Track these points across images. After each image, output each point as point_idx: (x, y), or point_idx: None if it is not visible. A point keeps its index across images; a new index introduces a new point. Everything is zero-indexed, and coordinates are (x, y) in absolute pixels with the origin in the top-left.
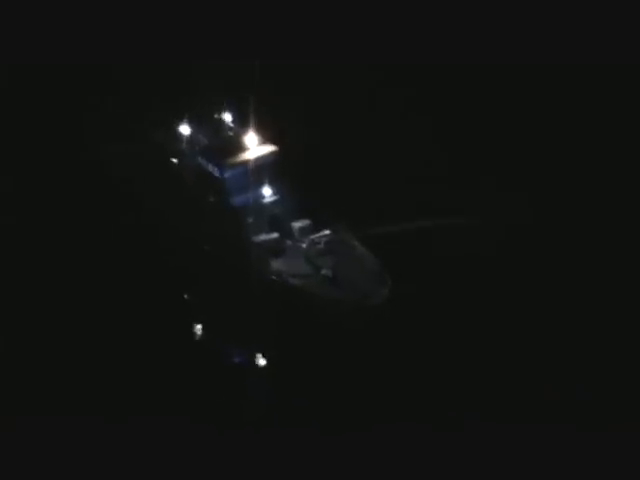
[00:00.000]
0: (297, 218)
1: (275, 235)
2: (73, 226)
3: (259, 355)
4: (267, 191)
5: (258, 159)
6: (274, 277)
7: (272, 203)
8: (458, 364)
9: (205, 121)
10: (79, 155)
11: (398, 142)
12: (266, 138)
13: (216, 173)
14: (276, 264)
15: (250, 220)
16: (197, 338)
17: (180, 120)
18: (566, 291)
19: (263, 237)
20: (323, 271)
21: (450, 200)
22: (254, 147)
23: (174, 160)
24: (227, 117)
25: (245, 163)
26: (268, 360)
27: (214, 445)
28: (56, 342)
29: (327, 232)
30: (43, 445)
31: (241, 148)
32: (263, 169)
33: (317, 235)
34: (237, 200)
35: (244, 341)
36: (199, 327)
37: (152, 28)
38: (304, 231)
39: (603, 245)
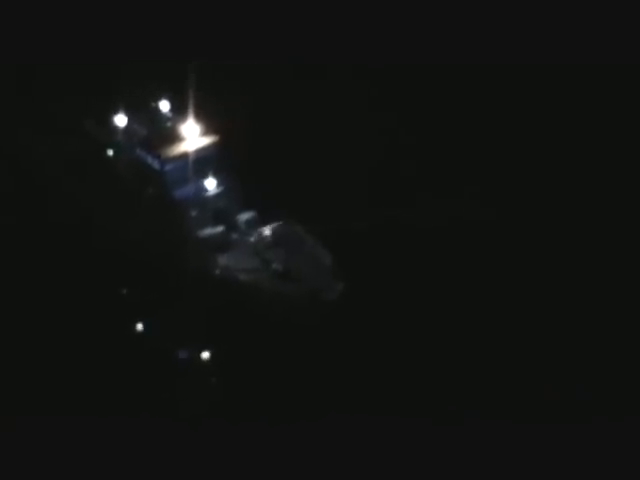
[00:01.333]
0: (242, 210)
1: (220, 229)
2: None
3: (204, 353)
4: (210, 183)
5: (199, 150)
6: (220, 273)
7: (215, 195)
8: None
9: (141, 110)
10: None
11: (347, 128)
12: (207, 127)
13: (155, 165)
14: (222, 259)
15: (193, 214)
16: (138, 335)
17: (114, 109)
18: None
19: (207, 231)
20: (273, 265)
21: (401, 191)
22: (195, 137)
23: (109, 152)
24: (164, 106)
25: (186, 154)
26: (214, 358)
27: (160, 441)
28: None
29: (275, 224)
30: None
31: (181, 139)
32: (205, 160)
33: (264, 227)
34: (178, 193)
35: (189, 339)
36: (139, 325)
37: (82, 17)
38: (250, 223)
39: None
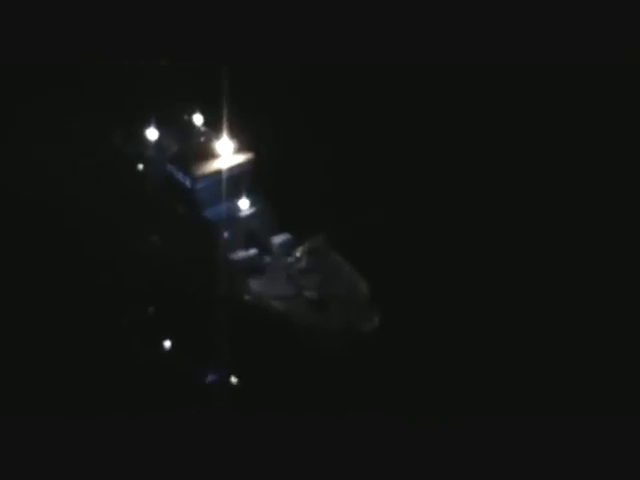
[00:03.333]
0: (277, 233)
1: (253, 252)
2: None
3: (228, 378)
4: (243, 203)
5: (233, 168)
6: (252, 300)
7: (249, 216)
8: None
9: (173, 124)
10: (24, 160)
11: (385, 148)
12: (242, 144)
13: (186, 183)
14: (254, 284)
15: (225, 235)
16: (166, 355)
17: (145, 122)
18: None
19: (239, 254)
20: (307, 292)
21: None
22: (228, 154)
23: (139, 167)
24: (198, 119)
25: (218, 172)
26: (241, 383)
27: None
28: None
29: (311, 248)
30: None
31: (214, 155)
32: (238, 179)
33: (299, 251)
34: (210, 213)
35: (214, 364)
36: (168, 344)
37: (116, 27)
38: (285, 247)
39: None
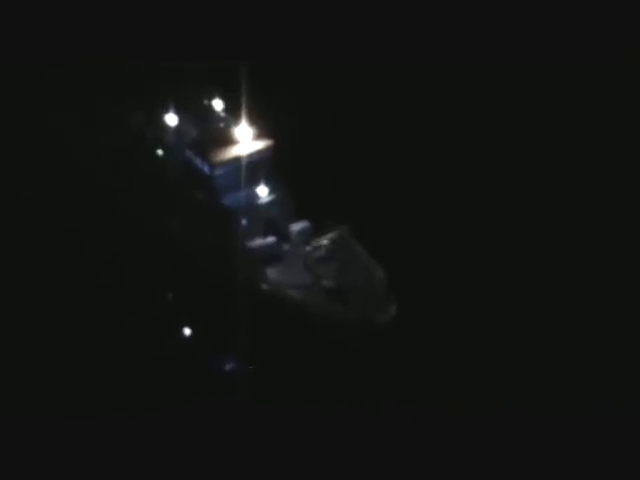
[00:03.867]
0: (295, 220)
1: (271, 239)
2: (37, 226)
3: (244, 367)
4: (262, 190)
5: (252, 154)
6: (269, 288)
7: (268, 204)
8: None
9: (193, 109)
10: (46, 143)
11: (405, 138)
12: (261, 130)
13: (205, 170)
14: (272, 273)
15: (243, 223)
16: (184, 342)
17: (164, 106)
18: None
19: (258, 242)
20: (324, 282)
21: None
22: (248, 140)
23: (158, 152)
24: (217, 105)
25: (238, 159)
26: (258, 372)
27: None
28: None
29: (329, 235)
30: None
31: (233, 141)
32: (258, 166)
33: (318, 239)
34: (228, 200)
35: (231, 351)
36: (187, 332)
37: (136, 15)
38: (303, 234)
39: (600, 245)
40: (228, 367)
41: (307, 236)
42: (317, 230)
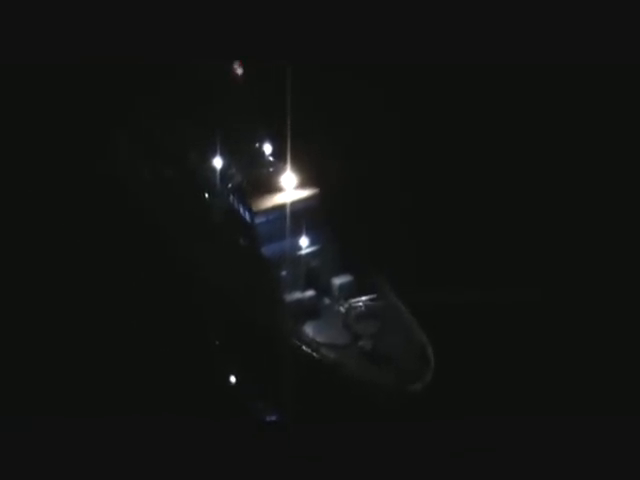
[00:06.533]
0: (338, 273)
1: (311, 293)
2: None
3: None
4: (304, 241)
5: (296, 203)
6: (304, 346)
7: (309, 255)
8: None
9: (243, 151)
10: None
11: (456, 196)
12: (306, 178)
13: (247, 217)
14: (309, 329)
15: (283, 273)
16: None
17: (216, 146)
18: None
19: (296, 295)
20: (362, 342)
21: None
22: (292, 188)
23: (206, 194)
24: (267, 148)
25: (281, 207)
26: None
27: None
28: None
29: (372, 294)
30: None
31: (278, 188)
32: (302, 215)
33: (360, 296)
34: (270, 249)
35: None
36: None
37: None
38: (345, 289)
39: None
40: (262, 415)
41: (349, 291)
42: (360, 285)
